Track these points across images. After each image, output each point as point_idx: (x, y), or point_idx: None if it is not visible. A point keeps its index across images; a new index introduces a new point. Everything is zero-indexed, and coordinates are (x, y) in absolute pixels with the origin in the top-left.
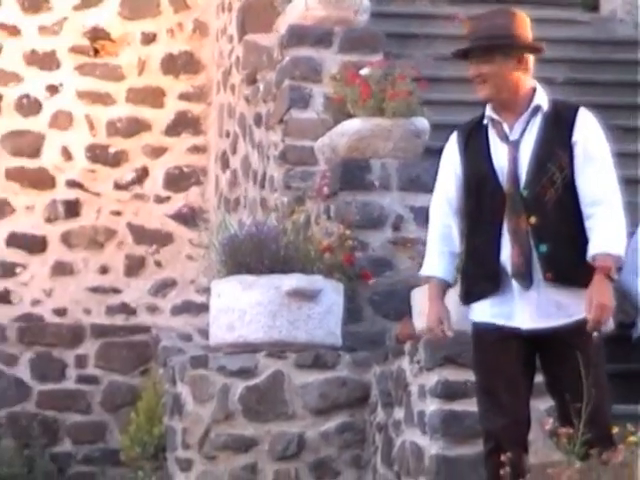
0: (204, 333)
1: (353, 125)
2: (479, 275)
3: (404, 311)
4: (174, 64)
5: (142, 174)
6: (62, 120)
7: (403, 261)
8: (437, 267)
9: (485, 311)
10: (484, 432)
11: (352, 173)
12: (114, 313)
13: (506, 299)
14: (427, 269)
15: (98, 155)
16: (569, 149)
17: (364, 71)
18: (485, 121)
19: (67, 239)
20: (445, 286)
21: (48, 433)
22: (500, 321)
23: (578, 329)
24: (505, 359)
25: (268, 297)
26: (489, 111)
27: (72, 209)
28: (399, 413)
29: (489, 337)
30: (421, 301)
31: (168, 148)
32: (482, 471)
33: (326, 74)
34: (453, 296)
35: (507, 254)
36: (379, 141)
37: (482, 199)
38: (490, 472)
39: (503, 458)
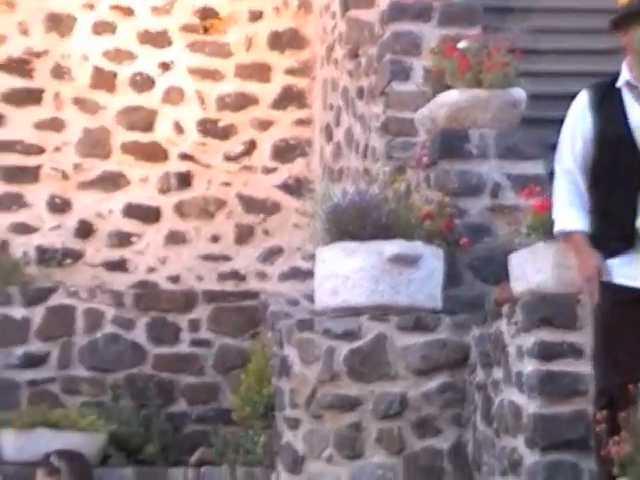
0: (310, 298)
1: (452, 96)
2: (611, 235)
3: (502, 275)
4: (280, 40)
5: (250, 146)
6: (174, 96)
7: (501, 227)
8: (578, 221)
9: (611, 271)
10: (599, 389)
11: (451, 143)
12: (225, 279)
13: (635, 260)
14: (568, 224)
15: (208, 129)
16: None
17: (462, 44)
18: (619, 84)
19: (180, 209)
20: (587, 239)
21: (164, 394)
22: (626, 281)
23: None
24: (627, 320)
25: (370, 263)
26: (627, 75)
27: (184, 180)
28: (498, 373)
29: (612, 297)
30: (518, 266)
31: (275, 121)
32: (578, 428)
33: (425, 47)
34: (550, 256)
35: None
36: (477, 111)
37: (617, 160)
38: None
39: (599, 416)
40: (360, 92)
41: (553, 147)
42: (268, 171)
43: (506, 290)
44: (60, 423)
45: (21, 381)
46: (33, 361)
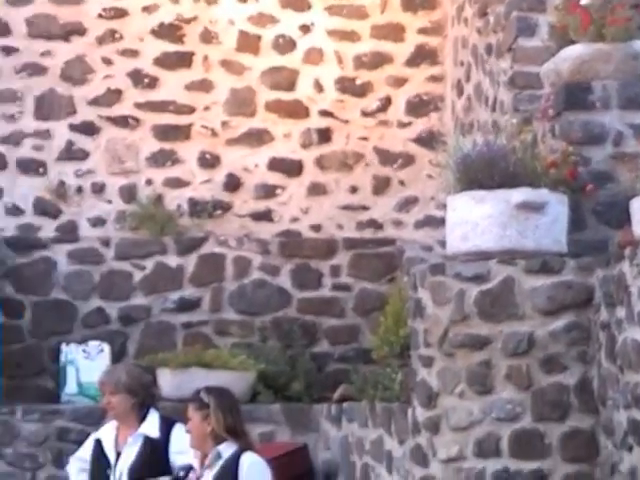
0: (443, 244)
1: (575, 50)
2: None
3: (624, 219)
4: (413, 2)
5: (386, 102)
6: (314, 56)
7: (623, 174)
8: None
9: None
10: None
11: (575, 95)
12: (363, 228)
13: None
14: None
15: (346, 87)
16: None
17: (585, 1)
18: None
19: (320, 162)
20: None
21: (308, 335)
22: None
23: None
24: None
25: (499, 210)
26: None
27: (324, 135)
28: (621, 312)
29: None
30: None
31: (408, 78)
32: None
33: (550, 5)
34: None
35: None
36: (599, 64)
37: None
38: None
39: None
40: (489, 48)
41: None
42: (403, 125)
43: (628, 233)
44: (212, 363)
45: (176, 324)
46: (187, 305)
